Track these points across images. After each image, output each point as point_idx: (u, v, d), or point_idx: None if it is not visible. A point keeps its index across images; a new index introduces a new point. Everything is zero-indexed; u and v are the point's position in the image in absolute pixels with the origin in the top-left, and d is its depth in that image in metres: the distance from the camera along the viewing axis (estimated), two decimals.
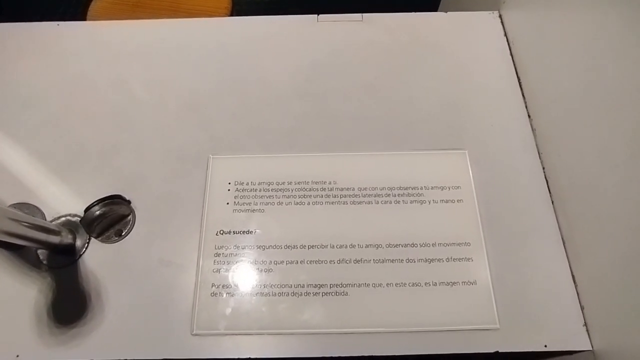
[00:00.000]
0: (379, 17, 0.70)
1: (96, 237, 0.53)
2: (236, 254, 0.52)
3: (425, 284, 0.51)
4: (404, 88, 0.64)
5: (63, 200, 0.55)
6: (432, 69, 0.66)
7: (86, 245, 0.53)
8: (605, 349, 0.46)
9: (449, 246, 0.53)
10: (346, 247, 0.52)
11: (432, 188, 0.56)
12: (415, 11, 0.71)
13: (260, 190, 0.56)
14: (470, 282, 0.51)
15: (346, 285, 0.51)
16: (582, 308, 0.50)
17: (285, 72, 0.66)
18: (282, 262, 0.52)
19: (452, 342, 0.48)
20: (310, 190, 0.56)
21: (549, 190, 0.56)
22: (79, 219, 0.54)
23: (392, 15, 0.70)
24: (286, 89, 0.64)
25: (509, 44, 0.67)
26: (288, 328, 0.49)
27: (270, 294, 0.50)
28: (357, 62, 0.66)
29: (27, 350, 0.48)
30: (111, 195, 0.53)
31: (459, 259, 0.52)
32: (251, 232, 0.53)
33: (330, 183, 0.56)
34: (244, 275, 0.51)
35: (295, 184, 0.56)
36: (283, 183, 0.56)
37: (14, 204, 0.55)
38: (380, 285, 0.51)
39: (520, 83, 0.64)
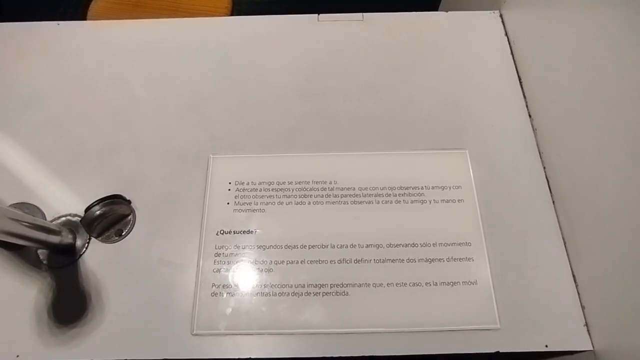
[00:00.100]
0: (379, 16, 0.70)
1: (96, 237, 0.53)
2: (236, 254, 0.52)
3: (426, 284, 0.51)
4: (405, 88, 0.64)
5: (63, 200, 0.55)
6: (432, 68, 0.65)
7: (86, 245, 0.53)
8: (606, 349, 0.46)
9: (450, 246, 0.52)
10: (347, 247, 0.52)
11: (432, 188, 0.56)
12: (415, 11, 0.71)
13: (260, 190, 0.56)
14: (470, 282, 0.51)
15: (347, 285, 0.51)
16: (582, 308, 0.50)
17: (285, 71, 0.66)
18: (282, 262, 0.52)
19: (452, 342, 0.48)
20: (310, 190, 0.56)
21: (550, 190, 0.56)
22: (79, 218, 0.54)
23: (393, 15, 0.70)
24: (286, 88, 0.64)
25: (509, 44, 0.67)
26: (288, 328, 0.49)
27: (271, 294, 0.50)
28: (357, 62, 0.66)
29: (27, 350, 0.48)
30: (111, 195, 0.53)
31: (460, 259, 0.52)
32: (251, 232, 0.53)
33: (330, 183, 0.56)
34: (245, 275, 0.51)
35: (296, 183, 0.56)
36: (283, 183, 0.56)
37: (14, 203, 0.55)
38: (380, 285, 0.51)
39: (521, 83, 0.64)
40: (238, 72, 0.66)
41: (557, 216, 0.54)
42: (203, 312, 0.49)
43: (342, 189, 0.56)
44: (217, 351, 0.48)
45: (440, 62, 0.66)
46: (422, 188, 0.56)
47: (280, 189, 0.56)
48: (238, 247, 0.52)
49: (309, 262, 0.52)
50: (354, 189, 0.56)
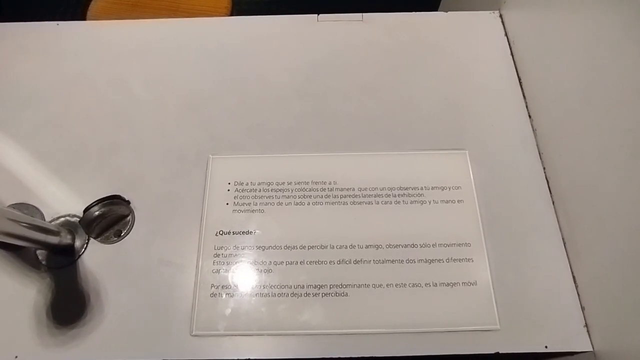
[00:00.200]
0: (379, 16, 0.70)
1: (95, 238, 0.53)
2: (236, 255, 0.52)
3: (426, 284, 0.51)
4: (405, 88, 0.64)
5: (62, 201, 0.55)
6: (432, 68, 0.65)
7: (85, 245, 0.53)
8: (606, 350, 0.46)
9: (449, 247, 0.52)
10: (346, 247, 0.52)
11: (432, 188, 0.56)
12: (415, 11, 0.71)
13: (260, 191, 0.56)
14: (470, 283, 0.51)
15: (346, 286, 0.50)
16: (582, 308, 0.49)
17: (285, 71, 0.65)
18: (281, 262, 0.52)
19: (452, 343, 0.48)
20: (310, 190, 0.56)
21: (550, 190, 0.56)
22: (78, 219, 0.53)
23: (393, 15, 0.70)
24: (286, 88, 0.64)
25: (509, 44, 0.67)
26: (288, 329, 0.49)
27: (270, 294, 0.50)
28: (357, 62, 0.66)
29: (26, 351, 0.48)
30: (110, 196, 0.53)
31: (460, 260, 0.52)
32: (251, 232, 0.53)
33: (330, 183, 0.56)
34: (244, 276, 0.51)
35: (295, 184, 0.56)
36: (283, 183, 0.56)
37: (13, 204, 0.55)
38: (380, 285, 0.50)
39: (520, 83, 0.63)
40: (238, 72, 0.66)
41: (557, 216, 0.54)
42: (202, 312, 0.49)
43: (342, 190, 0.56)
44: (216, 352, 0.48)
45: (440, 63, 0.66)
46: (421, 188, 0.56)
47: (280, 190, 0.56)
48: (237, 247, 0.52)
49: (308, 262, 0.52)
50: (354, 189, 0.56)
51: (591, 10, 0.48)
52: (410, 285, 0.51)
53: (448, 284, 0.51)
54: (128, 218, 0.54)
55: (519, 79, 0.64)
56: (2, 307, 0.50)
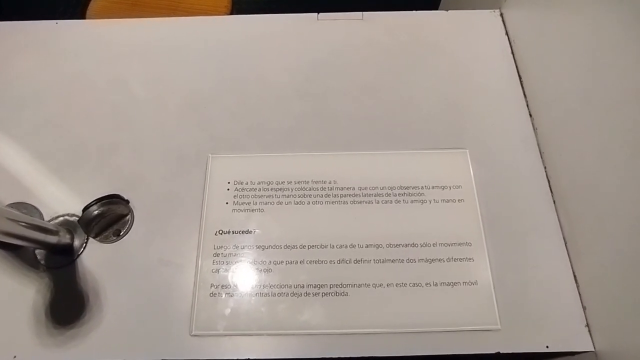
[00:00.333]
0: (379, 15, 0.70)
1: (94, 237, 0.53)
2: (235, 254, 0.52)
3: (426, 284, 0.50)
4: (405, 87, 0.64)
5: (61, 200, 0.55)
6: (432, 68, 0.65)
7: (84, 245, 0.52)
8: (607, 350, 0.46)
9: (450, 246, 0.52)
10: (346, 247, 0.52)
11: (432, 188, 0.55)
12: (415, 10, 0.70)
13: (259, 190, 0.55)
14: (471, 282, 0.50)
15: (346, 286, 0.50)
16: (584, 308, 0.49)
17: (285, 71, 0.65)
18: (281, 262, 0.51)
19: (453, 343, 0.48)
20: (310, 189, 0.55)
21: (551, 189, 0.56)
22: (77, 218, 0.53)
23: (393, 14, 0.70)
24: (286, 88, 0.64)
25: (510, 43, 0.67)
26: (287, 329, 0.48)
27: (270, 294, 0.50)
28: (357, 61, 0.66)
29: (24, 351, 0.48)
30: (109, 195, 0.53)
31: (460, 259, 0.52)
32: (250, 232, 0.53)
33: (330, 183, 0.56)
34: (243, 276, 0.51)
35: (295, 183, 0.56)
36: (283, 183, 0.56)
37: (12, 203, 0.54)
38: (380, 285, 0.50)
39: (521, 82, 0.63)
40: (237, 71, 0.65)
41: (557, 216, 0.54)
42: (202, 312, 0.49)
43: (342, 189, 0.55)
44: (215, 352, 0.48)
45: (441, 62, 0.66)
46: (422, 188, 0.55)
47: (280, 189, 0.55)
48: (237, 247, 0.52)
49: (308, 262, 0.51)
50: (354, 188, 0.55)
51: (592, 9, 0.47)
52: (411, 284, 0.50)
53: (448, 284, 0.50)
54: (127, 217, 0.54)
55: (520, 78, 0.64)
56: (1, 307, 0.50)
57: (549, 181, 0.56)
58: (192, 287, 0.50)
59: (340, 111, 0.62)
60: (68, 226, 0.53)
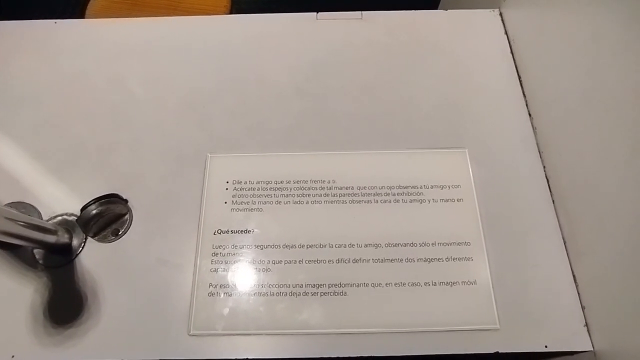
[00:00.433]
0: (378, 15, 0.70)
1: (93, 237, 0.52)
2: (234, 254, 0.52)
3: (425, 283, 0.50)
4: (404, 86, 0.63)
5: (60, 199, 0.55)
6: (432, 67, 0.65)
7: (82, 244, 0.52)
8: (606, 350, 0.46)
9: (449, 246, 0.52)
10: (345, 246, 0.52)
11: (431, 187, 0.55)
12: (415, 9, 0.70)
13: (258, 189, 0.55)
14: (470, 282, 0.50)
15: (345, 285, 0.50)
16: (583, 308, 0.49)
17: (284, 70, 0.65)
18: (280, 261, 0.51)
19: (451, 343, 0.48)
20: (309, 189, 0.55)
21: (550, 189, 0.55)
22: (76, 218, 0.53)
23: (392, 14, 0.70)
24: (285, 87, 0.64)
25: (509, 42, 0.67)
26: (286, 328, 0.48)
27: (269, 293, 0.50)
28: (356, 61, 0.66)
29: (22, 351, 0.48)
30: (108, 194, 0.53)
31: (459, 259, 0.51)
32: (249, 231, 0.53)
33: (329, 182, 0.56)
34: (242, 275, 0.51)
35: (294, 183, 0.56)
36: (281, 182, 0.56)
37: (10, 202, 0.54)
38: (379, 285, 0.50)
39: (520, 81, 0.63)
40: (237, 71, 0.65)
41: (557, 215, 0.54)
42: (200, 312, 0.49)
43: (341, 188, 0.55)
44: (214, 352, 0.48)
45: (440, 61, 0.66)
46: (421, 187, 0.55)
47: (279, 188, 0.55)
48: (235, 246, 0.52)
49: (307, 261, 0.51)
50: (353, 188, 0.55)
51: (591, 8, 0.47)
52: (410, 284, 0.50)
53: (447, 283, 0.50)
54: (126, 217, 0.54)
55: (519, 78, 0.63)
56: None
57: (548, 181, 0.56)
58: (190, 286, 0.50)
59: (339, 110, 0.62)
60: (66, 226, 0.53)
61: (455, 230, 0.53)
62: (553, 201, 0.55)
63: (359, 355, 0.48)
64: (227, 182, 0.56)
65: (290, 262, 0.51)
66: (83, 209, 0.51)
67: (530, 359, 0.50)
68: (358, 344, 0.48)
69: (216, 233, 0.53)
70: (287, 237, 0.53)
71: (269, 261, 0.51)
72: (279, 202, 0.55)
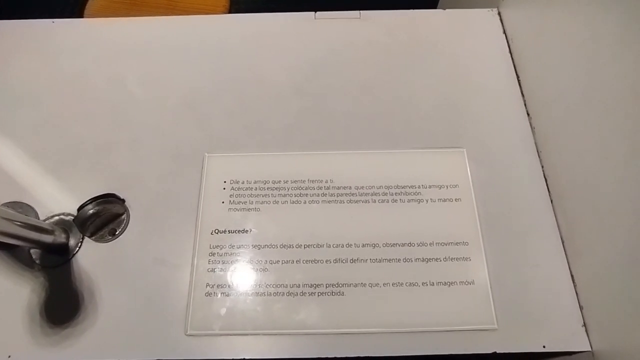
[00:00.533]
0: (376, 14, 0.70)
1: (90, 236, 0.52)
2: (231, 254, 0.52)
3: (423, 283, 0.50)
4: (402, 86, 0.63)
5: (57, 199, 0.55)
6: (430, 66, 0.65)
7: (79, 244, 0.52)
8: (604, 350, 0.46)
9: (447, 245, 0.52)
10: (342, 246, 0.52)
11: (429, 187, 0.55)
12: (413, 8, 0.70)
13: (256, 189, 0.55)
14: (468, 282, 0.50)
15: (342, 285, 0.50)
16: (581, 308, 0.49)
17: (282, 69, 0.65)
18: (277, 261, 0.51)
19: (449, 343, 0.48)
20: (306, 189, 0.55)
21: (548, 189, 0.55)
22: (73, 217, 0.53)
23: (390, 13, 0.70)
24: (283, 86, 0.64)
25: (507, 42, 0.67)
26: (283, 328, 0.48)
27: (266, 293, 0.50)
28: (354, 60, 0.66)
29: (19, 351, 0.47)
30: (105, 194, 0.53)
31: (457, 259, 0.51)
32: (246, 231, 0.53)
33: (326, 182, 0.56)
34: (239, 275, 0.51)
35: (292, 182, 0.56)
36: (279, 182, 0.56)
37: (7, 202, 0.54)
38: (377, 285, 0.50)
39: (519, 81, 0.63)
40: (235, 70, 0.65)
41: (555, 215, 0.54)
42: (197, 312, 0.49)
43: (339, 188, 0.55)
44: (211, 352, 0.47)
45: (438, 60, 0.65)
46: (419, 187, 0.55)
47: (276, 188, 0.55)
48: (233, 246, 0.52)
49: (304, 261, 0.51)
50: (350, 187, 0.55)
51: (590, 7, 0.47)
52: (407, 284, 0.50)
53: (445, 283, 0.50)
54: (123, 217, 0.54)
55: (518, 77, 0.63)
56: None
57: (546, 180, 0.56)
58: (187, 286, 0.50)
59: (336, 110, 0.61)
60: (63, 225, 0.53)
61: (453, 230, 0.53)
62: (551, 201, 0.55)
63: (356, 356, 0.47)
64: (225, 182, 0.56)
65: (287, 262, 0.51)
66: (80, 208, 0.50)
67: (529, 359, 0.50)
68: (356, 344, 0.48)
69: (213, 233, 0.53)
70: (284, 237, 0.52)
71: (267, 261, 0.51)
72: (277, 202, 0.54)
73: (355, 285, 0.50)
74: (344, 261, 0.51)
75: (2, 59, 0.66)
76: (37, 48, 0.67)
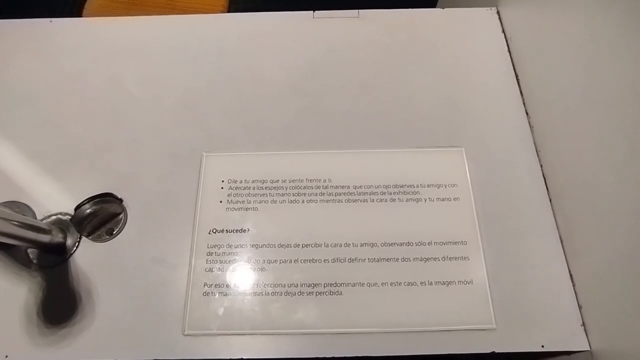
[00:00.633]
0: (375, 13, 0.70)
1: (87, 236, 0.52)
2: (229, 253, 0.52)
3: (421, 283, 0.50)
4: (401, 85, 0.63)
5: (54, 199, 0.55)
6: (429, 65, 0.65)
7: (77, 244, 0.52)
8: (603, 349, 0.45)
9: (445, 245, 0.52)
10: (341, 245, 0.52)
11: (428, 186, 0.55)
12: (412, 7, 0.70)
13: (254, 189, 0.55)
14: (466, 282, 0.50)
15: (340, 285, 0.50)
16: (580, 307, 0.49)
17: (281, 68, 0.65)
18: (275, 261, 0.51)
19: (448, 343, 0.48)
20: (304, 188, 0.55)
21: (547, 188, 0.55)
22: (70, 217, 0.53)
23: (389, 12, 0.70)
24: (282, 85, 0.63)
25: (506, 41, 0.66)
26: (281, 328, 0.48)
27: (264, 293, 0.50)
28: (353, 59, 0.66)
29: (16, 351, 0.47)
30: (102, 193, 0.53)
31: (455, 258, 0.51)
32: (244, 230, 0.53)
33: (325, 181, 0.55)
34: (237, 275, 0.50)
35: (290, 182, 0.55)
36: (277, 181, 0.55)
37: (4, 202, 0.54)
38: (375, 284, 0.50)
39: (518, 80, 0.63)
40: (233, 69, 0.65)
41: (554, 215, 0.54)
42: (195, 311, 0.49)
43: (337, 187, 0.55)
44: (209, 351, 0.47)
45: (437, 59, 0.65)
46: (417, 186, 0.55)
47: (274, 187, 0.55)
48: (231, 246, 0.52)
49: (302, 261, 0.51)
50: (349, 187, 0.55)
51: (588, 6, 0.47)
52: (406, 284, 0.50)
53: (444, 283, 0.50)
54: (120, 216, 0.54)
55: (516, 76, 0.63)
56: None
57: (545, 179, 0.56)
58: (185, 286, 0.50)
59: (335, 109, 0.61)
60: (61, 225, 0.53)
61: (452, 230, 0.53)
62: (550, 200, 0.54)
63: (354, 355, 0.47)
64: (223, 181, 0.56)
65: (285, 261, 0.51)
66: (77, 208, 0.50)
67: (527, 358, 0.49)
68: (354, 343, 0.48)
69: (211, 232, 0.53)
70: (282, 236, 0.52)
71: (264, 261, 0.51)
72: (275, 202, 0.54)
73: (354, 285, 0.50)
74: (342, 261, 0.51)
75: (1, 59, 0.66)
76: (36, 48, 0.67)
